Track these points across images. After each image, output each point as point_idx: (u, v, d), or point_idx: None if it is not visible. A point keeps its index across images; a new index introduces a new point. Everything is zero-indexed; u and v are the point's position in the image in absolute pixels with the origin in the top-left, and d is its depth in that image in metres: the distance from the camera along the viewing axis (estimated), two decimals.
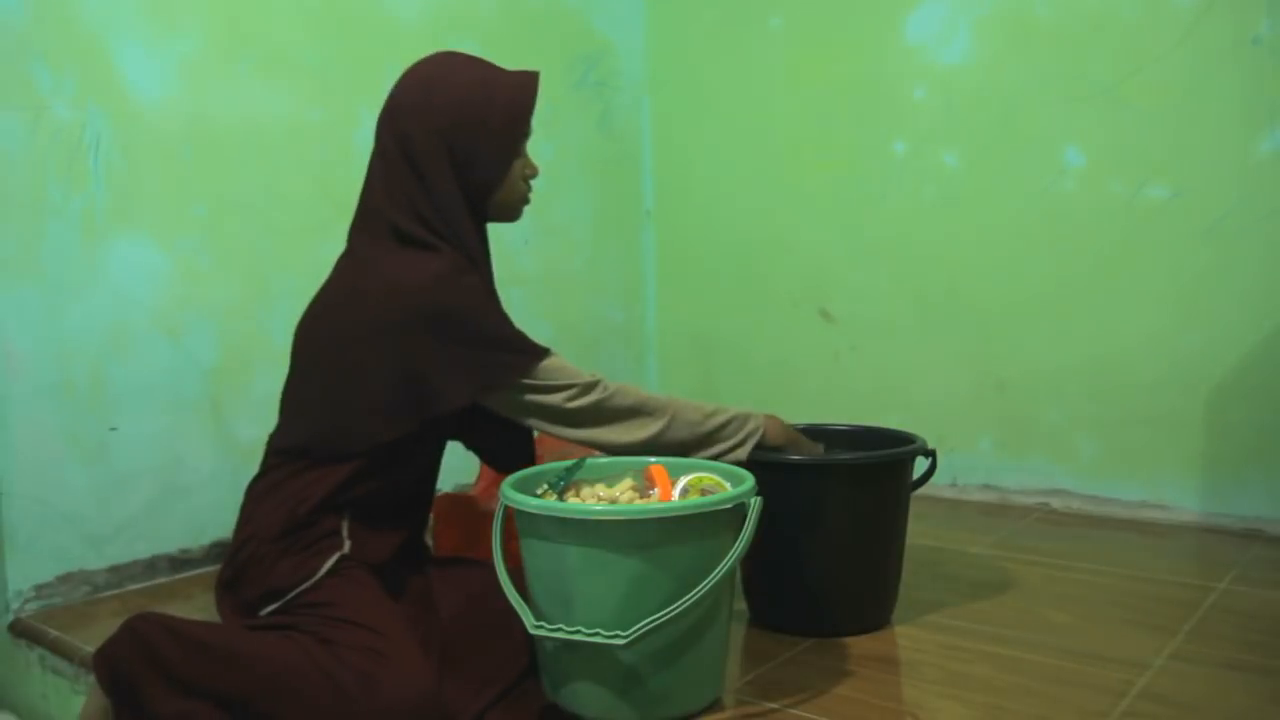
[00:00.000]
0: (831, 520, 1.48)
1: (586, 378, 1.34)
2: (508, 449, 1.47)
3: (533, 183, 1.43)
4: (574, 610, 1.18)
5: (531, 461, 1.48)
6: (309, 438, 1.33)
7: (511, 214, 1.42)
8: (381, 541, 1.35)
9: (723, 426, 1.40)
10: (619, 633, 1.14)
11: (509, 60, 1.42)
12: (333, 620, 1.21)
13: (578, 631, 1.16)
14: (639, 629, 1.14)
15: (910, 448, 1.51)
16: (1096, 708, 1.23)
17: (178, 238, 1.89)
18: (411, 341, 1.27)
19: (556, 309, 2.58)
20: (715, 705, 1.27)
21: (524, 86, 1.36)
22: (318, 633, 1.19)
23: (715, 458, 1.39)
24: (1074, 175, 2.13)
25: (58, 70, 1.73)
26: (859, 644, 1.46)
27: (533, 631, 1.20)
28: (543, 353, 1.32)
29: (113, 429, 1.81)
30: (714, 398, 2.77)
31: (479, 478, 1.79)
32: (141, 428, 1.85)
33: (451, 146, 1.31)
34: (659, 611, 1.14)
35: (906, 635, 1.49)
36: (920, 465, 1.57)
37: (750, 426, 1.42)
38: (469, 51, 1.40)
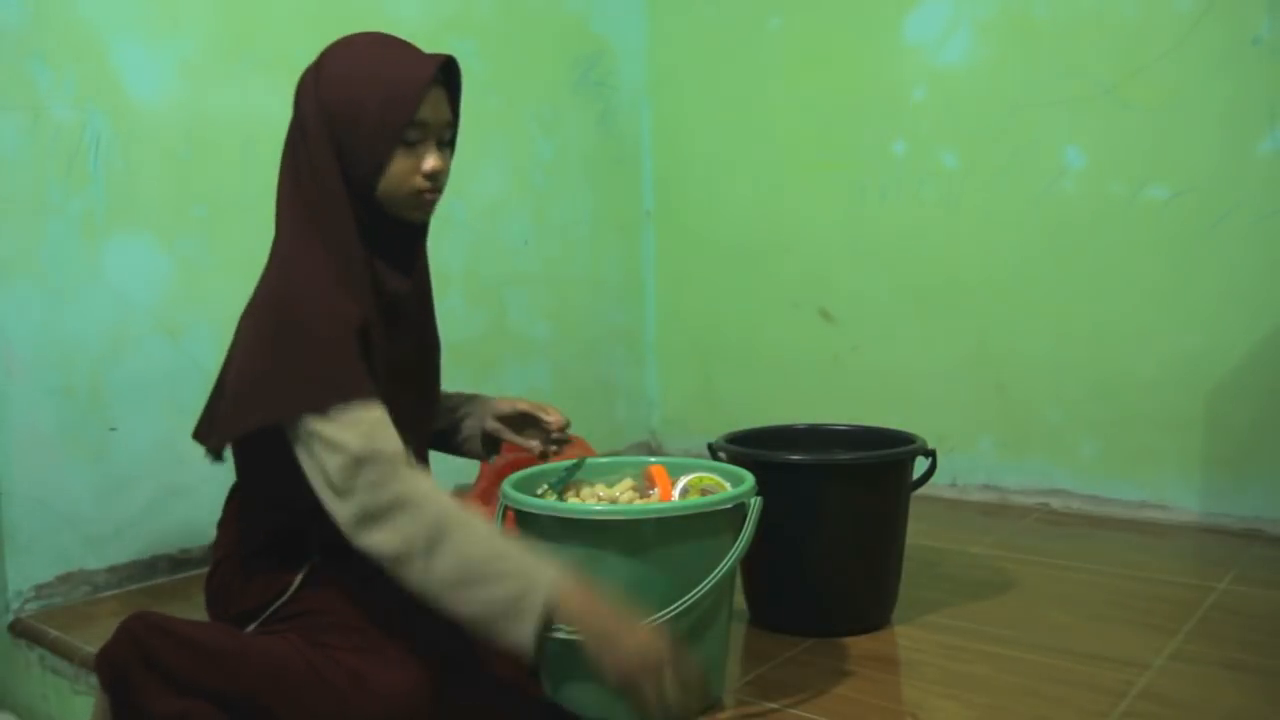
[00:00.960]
0: (832, 520, 1.48)
1: (362, 448, 1.07)
2: None
3: (439, 180, 1.25)
4: None
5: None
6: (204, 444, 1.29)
7: (401, 210, 1.23)
8: (354, 553, 1.31)
9: (495, 580, 1.04)
10: None
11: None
12: (319, 628, 1.21)
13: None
14: None
15: (910, 448, 1.51)
16: (1096, 708, 1.23)
17: (178, 238, 1.89)
18: (249, 347, 1.18)
19: (556, 309, 2.58)
20: (715, 705, 1.27)
21: (414, 76, 1.21)
22: (307, 638, 1.19)
23: (479, 625, 1.06)
24: (1074, 175, 2.13)
25: (58, 70, 1.73)
26: (859, 644, 1.46)
27: None
28: (346, 392, 1.09)
29: (113, 429, 1.81)
30: (714, 398, 2.78)
31: (479, 477, 1.79)
32: (141, 428, 1.85)
33: (333, 130, 1.21)
34: (659, 612, 1.14)
35: (906, 635, 1.49)
36: (919, 465, 1.57)
37: (529, 602, 1.02)
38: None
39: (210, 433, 1.27)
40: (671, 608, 1.15)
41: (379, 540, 1.08)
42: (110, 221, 1.80)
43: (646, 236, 2.83)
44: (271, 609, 1.25)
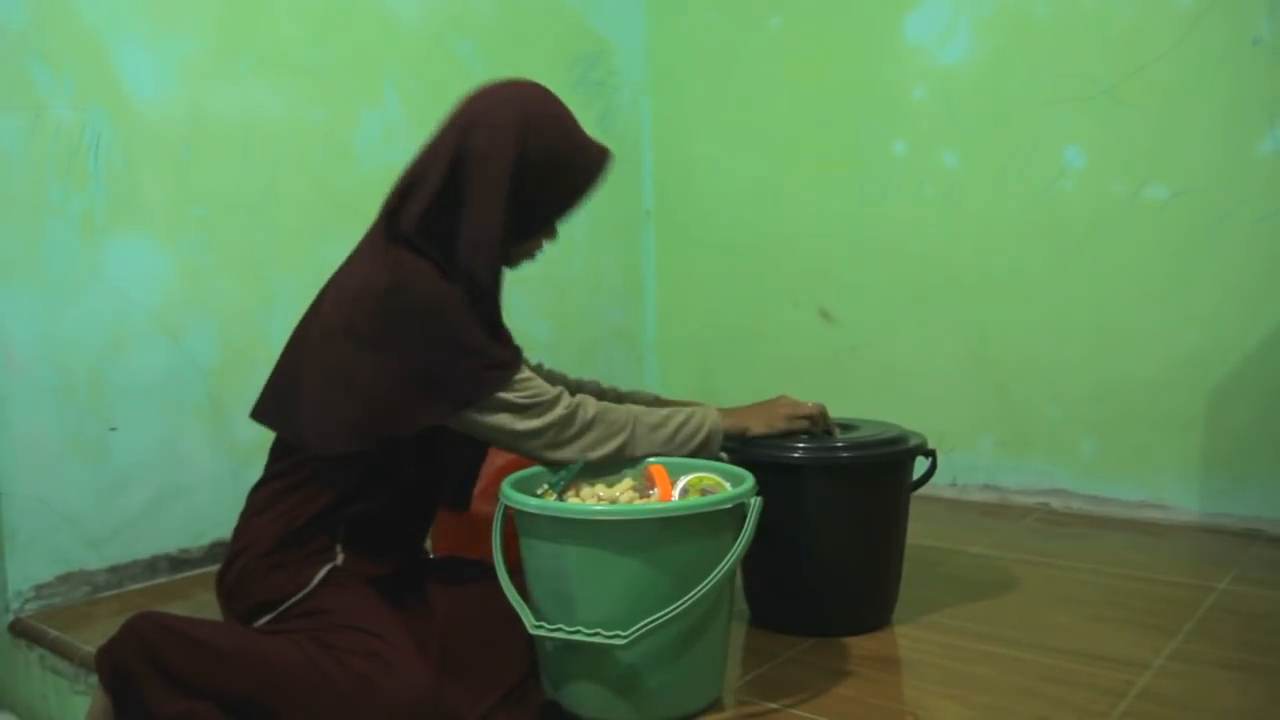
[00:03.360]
0: (832, 520, 1.48)
1: (550, 393, 1.30)
2: (455, 477, 1.46)
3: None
4: (574, 610, 1.19)
5: (466, 499, 1.48)
6: (288, 436, 1.32)
7: (516, 264, 1.40)
8: (376, 560, 1.33)
9: (681, 427, 1.38)
10: (619, 633, 1.14)
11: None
12: (330, 628, 1.21)
13: (578, 631, 1.16)
14: (639, 629, 1.14)
15: (910, 447, 1.51)
16: (1096, 708, 1.23)
17: (178, 238, 1.89)
18: (377, 347, 1.23)
19: (556, 309, 2.58)
20: (715, 705, 1.27)
21: (598, 164, 1.34)
22: (317, 639, 1.19)
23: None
24: (1074, 175, 2.13)
25: (58, 70, 1.73)
26: (859, 644, 1.46)
27: (533, 632, 1.20)
28: (515, 364, 1.30)
29: (113, 429, 1.81)
30: (714, 398, 2.77)
31: (479, 477, 1.79)
32: (141, 428, 1.85)
33: (523, 183, 1.27)
34: (659, 611, 1.15)
35: (906, 635, 1.49)
36: (918, 466, 1.56)
37: (710, 424, 1.40)
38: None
39: (337, 431, 1.26)
40: (672, 608, 1.15)
41: (592, 453, 1.33)
42: (110, 221, 1.80)
43: (646, 236, 2.83)
44: (288, 603, 1.26)
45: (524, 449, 1.32)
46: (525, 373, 1.30)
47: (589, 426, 1.33)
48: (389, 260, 1.26)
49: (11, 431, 1.69)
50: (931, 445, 1.55)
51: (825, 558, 1.49)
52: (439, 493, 1.45)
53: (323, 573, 1.28)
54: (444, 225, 1.27)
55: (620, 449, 1.34)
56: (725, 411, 1.45)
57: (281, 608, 1.26)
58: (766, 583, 1.53)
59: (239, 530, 1.34)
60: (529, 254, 1.39)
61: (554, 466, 1.33)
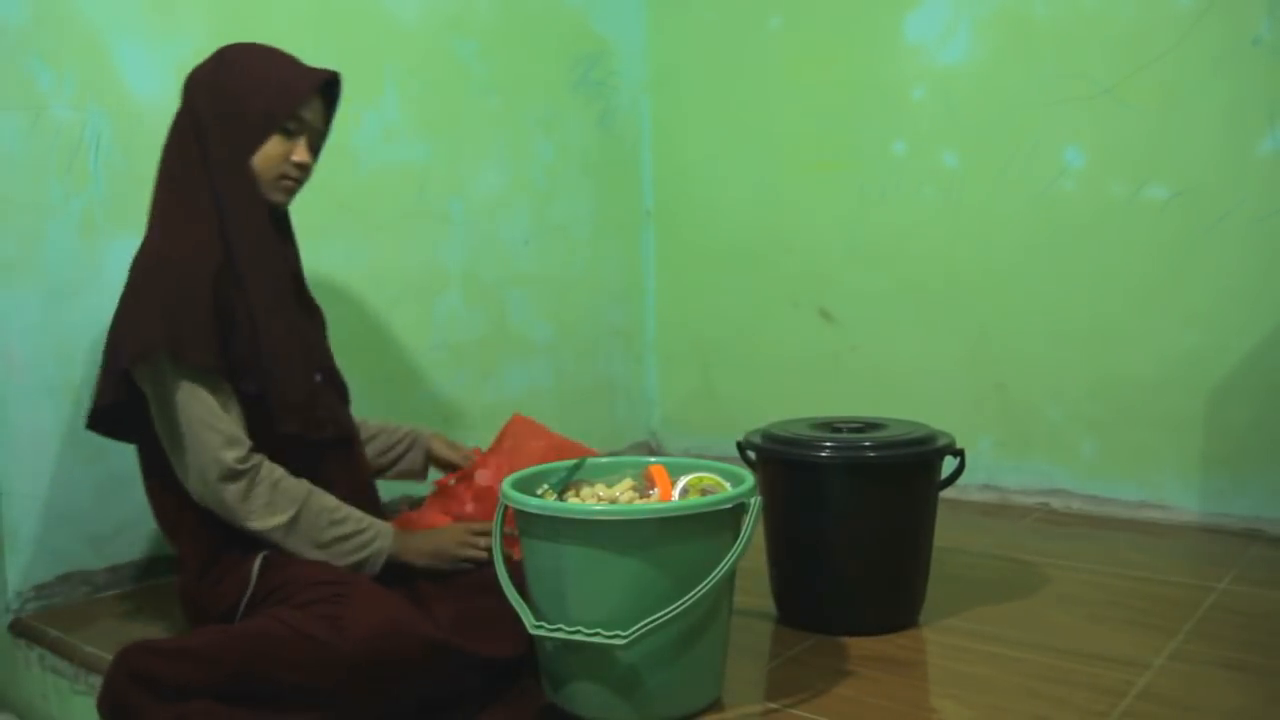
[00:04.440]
0: (860, 519, 1.48)
1: (237, 433, 1.33)
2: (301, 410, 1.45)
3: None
4: (574, 610, 1.19)
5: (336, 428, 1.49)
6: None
7: (279, 196, 1.47)
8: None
9: (345, 539, 1.37)
10: (619, 633, 1.14)
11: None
12: (294, 593, 1.27)
13: (578, 632, 1.16)
14: (639, 629, 1.14)
15: (939, 447, 1.50)
16: (1096, 708, 1.23)
17: None
18: (130, 298, 1.37)
19: (556, 309, 2.58)
20: (715, 705, 1.27)
21: (303, 78, 1.45)
22: (289, 603, 1.26)
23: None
24: (1074, 175, 2.13)
25: (58, 70, 1.73)
26: (859, 644, 1.46)
27: (533, 631, 1.20)
28: (206, 365, 1.32)
29: None
30: (714, 397, 2.78)
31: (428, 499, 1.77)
32: None
33: (233, 118, 1.40)
34: (659, 611, 1.15)
35: (906, 635, 1.49)
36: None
37: (375, 546, 1.38)
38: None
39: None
40: (672, 608, 1.15)
41: (257, 520, 1.33)
42: (110, 221, 1.80)
43: (646, 236, 2.84)
44: (244, 600, 1.32)
45: (190, 482, 1.34)
46: (225, 405, 1.34)
47: (265, 490, 1.34)
48: (164, 227, 1.39)
49: (11, 431, 1.69)
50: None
51: (853, 557, 1.49)
52: (324, 466, 1.46)
53: (258, 563, 1.34)
54: (202, 180, 1.39)
55: (279, 526, 1.33)
56: (400, 535, 1.43)
57: (241, 608, 1.33)
58: (794, 582, 1.53)
59: (177, 556, 1.44)
60: (270, 179, 1.43)
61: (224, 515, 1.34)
